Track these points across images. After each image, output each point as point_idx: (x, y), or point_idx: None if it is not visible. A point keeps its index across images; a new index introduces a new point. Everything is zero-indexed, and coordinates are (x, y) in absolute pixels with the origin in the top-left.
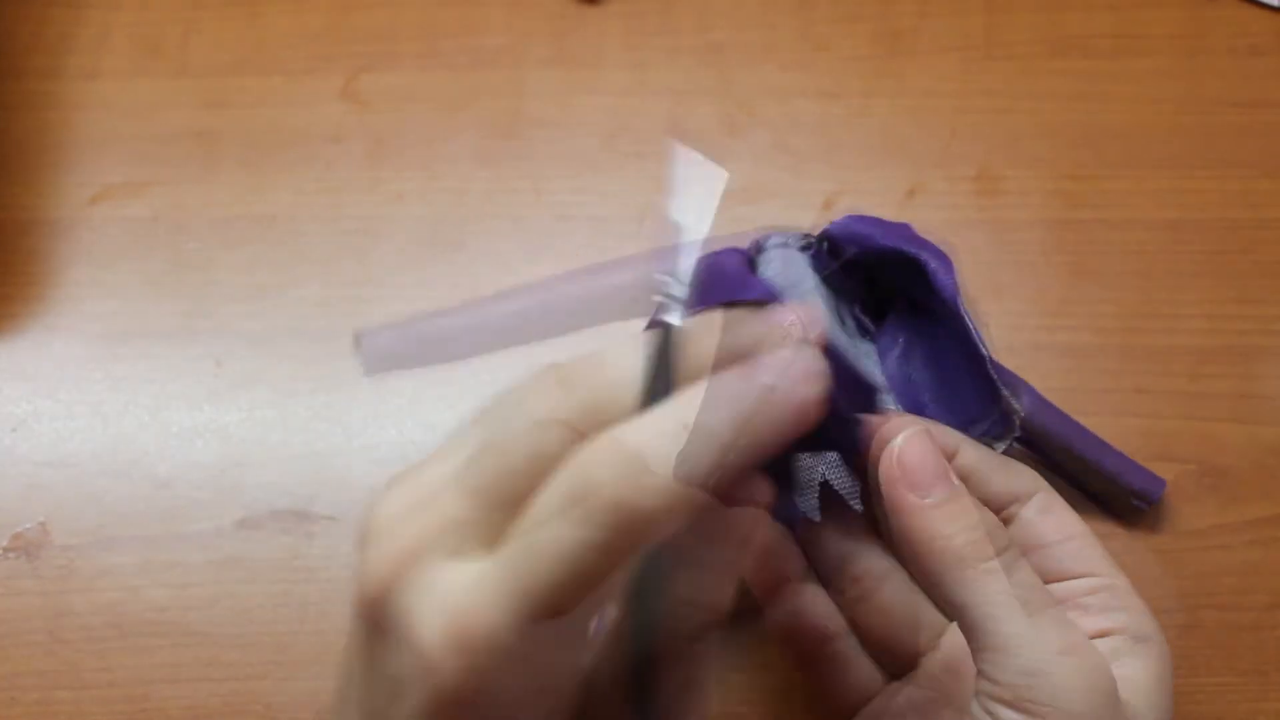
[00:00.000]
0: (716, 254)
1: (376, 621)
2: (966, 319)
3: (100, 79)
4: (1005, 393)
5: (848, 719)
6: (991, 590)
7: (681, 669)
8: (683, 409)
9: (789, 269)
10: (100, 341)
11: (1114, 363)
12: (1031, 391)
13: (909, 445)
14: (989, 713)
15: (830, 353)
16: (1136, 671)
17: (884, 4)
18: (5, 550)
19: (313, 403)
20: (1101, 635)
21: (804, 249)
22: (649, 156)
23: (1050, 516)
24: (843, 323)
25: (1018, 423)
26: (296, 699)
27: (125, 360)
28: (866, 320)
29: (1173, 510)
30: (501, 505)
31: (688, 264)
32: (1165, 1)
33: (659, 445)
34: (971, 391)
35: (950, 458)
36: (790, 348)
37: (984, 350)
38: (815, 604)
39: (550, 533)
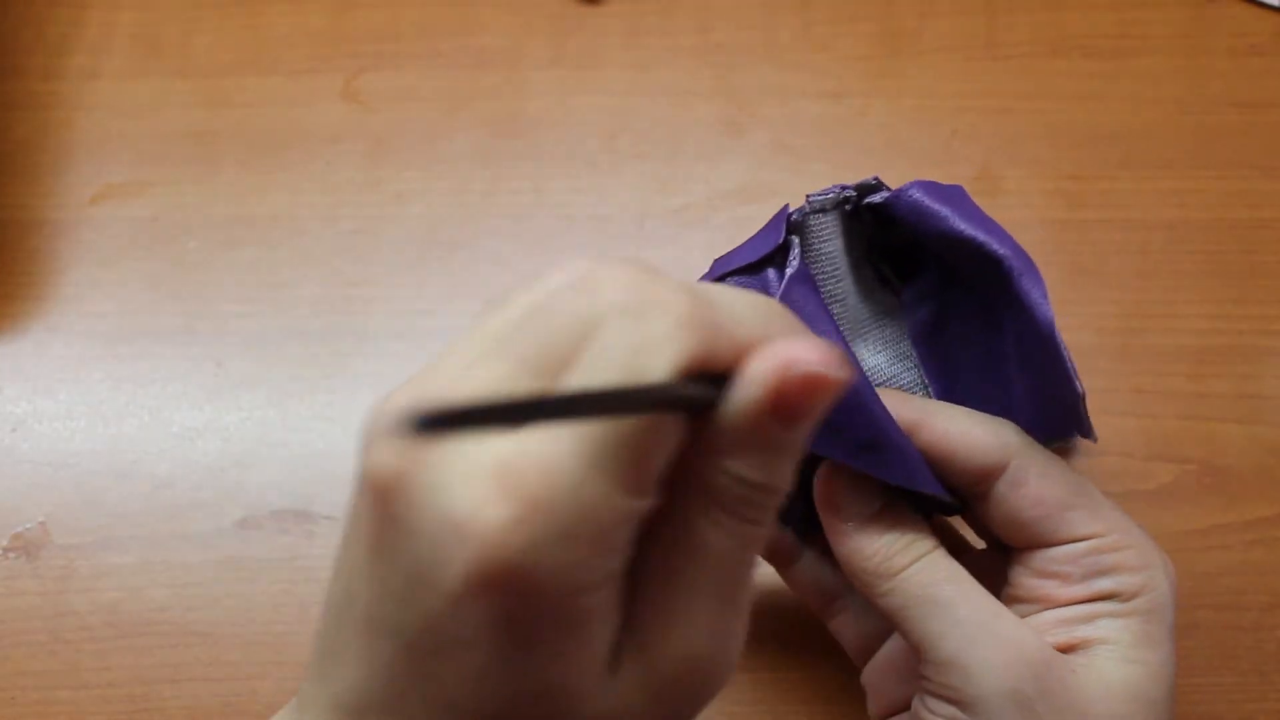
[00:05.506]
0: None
1: (389, 509)
2: (1062, 351)
3: (100, 79)
4: (1088, 429)
5: (861, 664)
6: (898, 600)
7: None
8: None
9: (819, 236)
10: (100, 341)
11: (1114, 363)
12: None
13: (827, 470)
14: (925, 706)
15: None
16: (1113, 632)
17: (885, 4)
18: (5, 550)
19: (313, 403)
20: (1081, 602)
21: (842, 207)
22: (649, 156)
23: (1021, 490)
24: (859, 271)
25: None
26: None
27: (125, 360)
28: (887, 270)
29: (1173, 510)
30: (544, 372)
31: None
32: (1165, 1)
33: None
34: (1032, 408)
35: (914, 430)
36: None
37: (1079, 388)
38: (818, 570)
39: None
